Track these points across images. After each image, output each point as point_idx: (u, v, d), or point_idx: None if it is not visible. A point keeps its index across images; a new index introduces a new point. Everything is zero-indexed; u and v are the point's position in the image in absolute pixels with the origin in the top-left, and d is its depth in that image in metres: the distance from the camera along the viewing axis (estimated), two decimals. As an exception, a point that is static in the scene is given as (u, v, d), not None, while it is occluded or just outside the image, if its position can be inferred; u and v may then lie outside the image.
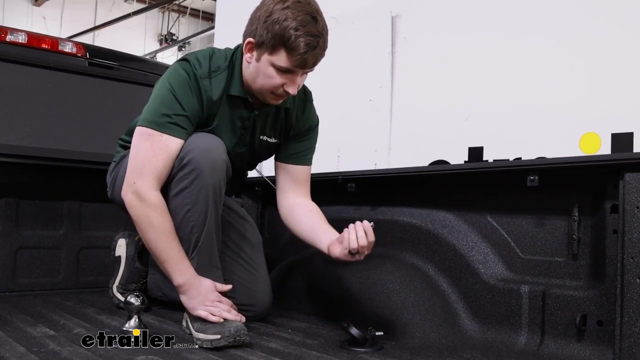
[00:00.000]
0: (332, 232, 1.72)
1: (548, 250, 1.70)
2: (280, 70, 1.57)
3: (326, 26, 1.57)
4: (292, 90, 1.61)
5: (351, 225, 1.58)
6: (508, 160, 2.12)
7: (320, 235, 1.74)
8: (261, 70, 1.60)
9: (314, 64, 1.59)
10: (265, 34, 1.53)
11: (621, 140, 1.92)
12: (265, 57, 1.57)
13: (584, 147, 2.04)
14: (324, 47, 1.57)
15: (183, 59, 1.68)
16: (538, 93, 2.18)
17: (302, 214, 1.83)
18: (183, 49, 14.61)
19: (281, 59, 1.55)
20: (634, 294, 1.42)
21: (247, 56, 1.63)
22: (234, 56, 1.70)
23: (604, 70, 2.02)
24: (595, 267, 1.60)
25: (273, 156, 1.94)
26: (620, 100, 1.97)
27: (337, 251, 1.62)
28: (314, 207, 1.86)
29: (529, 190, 1.66)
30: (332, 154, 1.93)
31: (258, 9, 1.59)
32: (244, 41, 1.63)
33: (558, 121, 2.11)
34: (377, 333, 1.60)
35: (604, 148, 1.97)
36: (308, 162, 1.90)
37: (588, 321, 1.57)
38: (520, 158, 2.06)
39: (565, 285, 1.64)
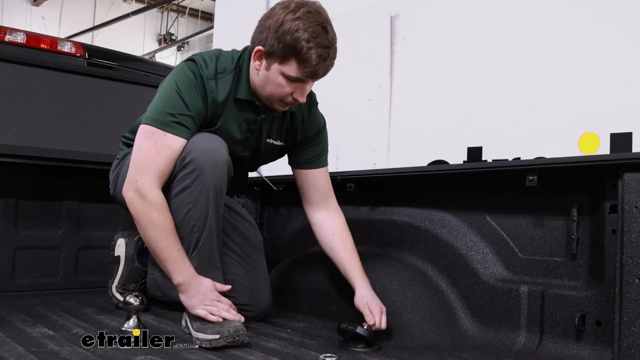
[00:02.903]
0: (358, 274, 1.78)
1: (547, 250, 1.70)
2: (291, 79, 1.59)
3: (335, 35, 1.59)
4: (302, 99, 1.64)
5: (378, 316, 1.65)
6: (507, 160, 2.12)
7: (350, 277, 1.79)
8: (271, 79, 1.61)
9: (325, 73, 1.61)
10: (277, 44, 1.54)
11: (620, 140, 1.93)
12: (276, 66, 1.59)
13: (583, 147, 2.04)
14: (334, 57, 1.59)
15: (190, 59, 1.69)
16: (537, 93, 2.18)
17: (332, 242, 1.85)
18: (182, 48, 14.60)
19: (292, 69, 1.57)
20: (632, 294, 1.41)
21: (256, 63, 1.64)
22: (241, 59, 1.70)
23: (603, 70, 2.03)
24: (594, 267, 1.60)
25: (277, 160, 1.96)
26: (619, 101, 1.98)
27: (360, 308, 1.70)
28: (338, 228, 1.86)
29: (528, 190, 1.66)
30: (331, 153, 1.95)
31: (267, 17, 1.59)
32: (252, 48, 1.63)
33: (557, 121, 2.12)
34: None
35: (603, 148, 1.97)
36: (324, 163, 1.92)
37: (587, 321, 1.57)
38: (519, 158, 2.06)
39: (564, 285, 1.64)
